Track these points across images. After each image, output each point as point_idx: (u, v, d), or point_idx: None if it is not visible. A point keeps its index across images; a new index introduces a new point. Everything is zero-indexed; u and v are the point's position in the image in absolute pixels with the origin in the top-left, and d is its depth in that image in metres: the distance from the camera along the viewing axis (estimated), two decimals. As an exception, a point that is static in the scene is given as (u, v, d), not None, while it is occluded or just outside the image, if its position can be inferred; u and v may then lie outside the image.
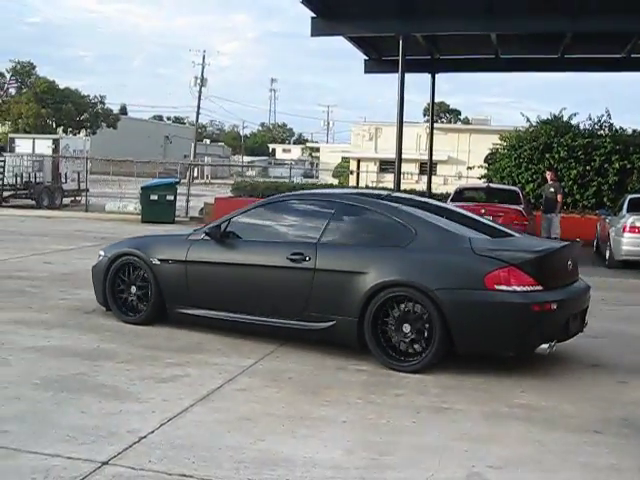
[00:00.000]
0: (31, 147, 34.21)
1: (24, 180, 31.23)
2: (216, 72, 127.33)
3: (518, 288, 7.31)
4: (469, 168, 33.63)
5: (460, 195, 20.03)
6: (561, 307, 7.50)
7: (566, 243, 8.44)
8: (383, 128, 57.03)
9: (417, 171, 53.33)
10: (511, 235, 8.59)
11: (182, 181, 30.09)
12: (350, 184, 51.87)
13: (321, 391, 7.01)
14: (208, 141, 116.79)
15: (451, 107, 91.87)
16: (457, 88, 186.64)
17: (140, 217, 25.53)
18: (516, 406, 6.78)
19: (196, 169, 67.12)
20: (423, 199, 10.43)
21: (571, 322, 7.84)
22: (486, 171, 27.80)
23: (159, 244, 9.46)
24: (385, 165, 54.07)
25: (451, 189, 24.61)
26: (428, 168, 27.33)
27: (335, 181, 57.12)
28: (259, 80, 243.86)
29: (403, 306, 7.62)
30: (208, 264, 8.82)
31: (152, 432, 5.68)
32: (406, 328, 7.60)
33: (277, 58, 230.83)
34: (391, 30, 18.29)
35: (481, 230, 8.38)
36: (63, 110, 67.20)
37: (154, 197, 24.54)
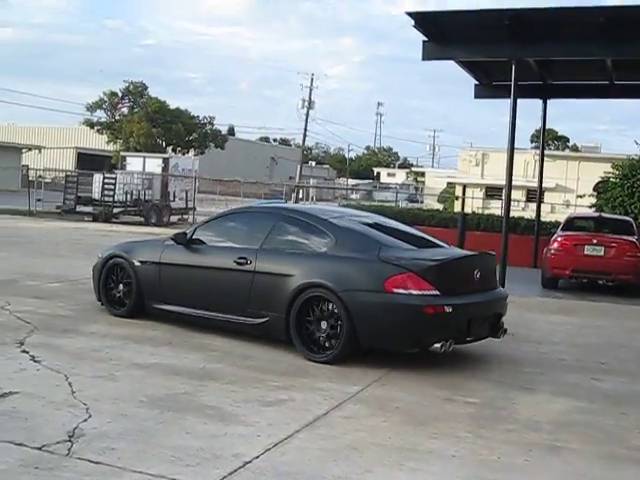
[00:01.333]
0: (142, 165, 34.96)
1: (134, 197, 31.92)
2: (323, 95, 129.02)
3: (414, 292, 8.17)
4: (579, 196, 32.80)
5: (571, 224, 19.55)
6: (457, 311, 8.31)
7: (469, 253, 9.46)
8: (490, 154, 56.30)
9: (524, 198, 52.40)
10: (438, 246, 9.54)
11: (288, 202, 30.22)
12: (456, 210, 51.33)
13: (429, 422, 6.81)
14: (313, 163, 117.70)
15: (559, 134, 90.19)
16: (565, 114, 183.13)
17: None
18: (634, 448, 6.46)
19: (301, 191, 67.52)
20: (376, 217, 10.73)
21: (474, 326, 8.65)
22: (596, 200, 27.03)
23: (140, 248, 10.80)
24: (491, 191, 53.32)
25: (559, 217, 24.04)
26: (537, 195, 26.68)
27: (440, 206, 56.65)
28: (365, 103, 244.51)
29: (321, 305, 8.55)
30: (176, 266, 10.04)
31: (257, 457, 5.59)
32: (324, 325, 8.56)
33: (383, 82, 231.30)
34: (504, 55, 17.91)
35: (409, 242, 9.26)
36: (173, 130, 68.56)
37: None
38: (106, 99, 70.59)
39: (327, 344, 8.56)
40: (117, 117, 70.47)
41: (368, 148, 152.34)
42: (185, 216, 34.96)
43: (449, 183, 64.34)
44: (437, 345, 8.26)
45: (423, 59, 18.26)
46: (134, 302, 10.40)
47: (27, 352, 8.24)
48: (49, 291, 11.85)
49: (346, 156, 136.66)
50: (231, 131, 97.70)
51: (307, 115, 73.07)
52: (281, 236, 9.43)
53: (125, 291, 10.54)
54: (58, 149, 78.56)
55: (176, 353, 8.71)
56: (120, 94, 70.42)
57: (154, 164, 34.63)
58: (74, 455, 5.37)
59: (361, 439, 6.20)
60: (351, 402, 7.27)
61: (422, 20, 17.43)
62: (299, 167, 73.43)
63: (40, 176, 38.50)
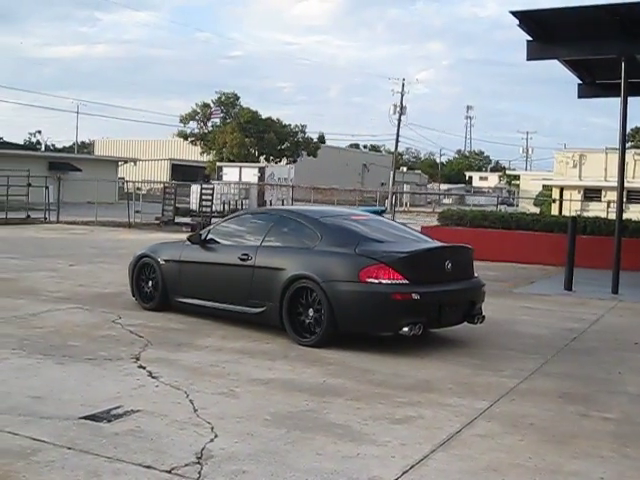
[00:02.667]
0: (238, 175, 35.11)
1: (231, 207, 32.02)
2: (412, 100, 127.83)
3: (384, 281, 9.09)
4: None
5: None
6: (425, 298, 9.19)
7: (438, 245, 10.31)
8: (587, 155, 54.83)
9: (624, 199, 50.82)
10: (418, 242, 10.41)
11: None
12: (552, 213, 50.11)
13: (568, 440, 6.39)
14: (405, 169, 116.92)
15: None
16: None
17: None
18: None
19: (394, 197, 67.00)
20: (372, 217, 11.87)
21: (444, 312, 9.55)
22: None
23: (165, 248, 12.00)
24: (590, 193, 51.93)
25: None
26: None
27: (536, 209, 55.44)
28: (454, 107, 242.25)
29: (308, 295, 9.49)
30: (192, 263, 11.13)
31: (396, 480, 5.27)
32: (311, 312, 9.48)
33: (472, 85, 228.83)
34: (613, 51, 17.24)
35: (390, 238, 10.19)
36: (265, 139, 69.03)
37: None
38: (199, 110, 71.42)
39: (314, 329, 9.45)
40: (210, 128, 71.17)
41: (459, 152, 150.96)
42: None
43: (545, 186, 62.92)
44: (405, 329, 9.08)
45: (528, 59, 17.76)
46: (160, 296, 11.46)
47: (144, 367, 8.10)
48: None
49: (437, 161, 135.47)
50: (321, 139, 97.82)
51: (399, 120, 72.68)
52: (278, 234, 10.44)
53: (153, 287, 11.61)
54: (152, 161, 79.86)
55: (294, 367, 8.45)
56: (212, 105, 71.08)
57: (250, 174, 34.79)
58: (205, 479, 5.14)
59: (500, 460, 5.82)
60: (483, 419, 6.89)
61: (526, 19, 16.91)
62: (392, 173, 72.98)
63: (138, 188, 39.00)
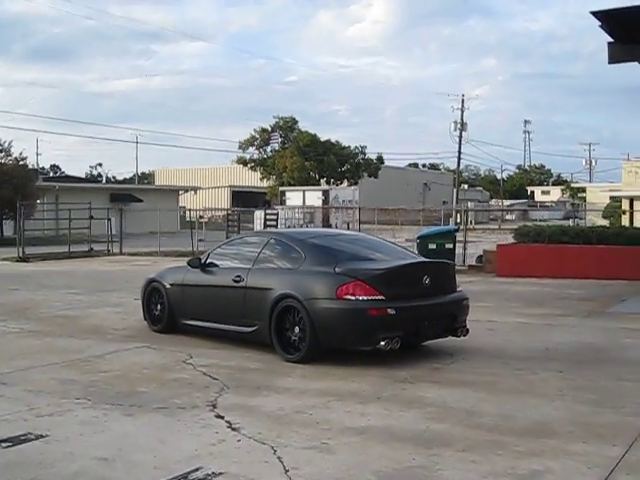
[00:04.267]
0: (301, 199, 34.34)
1: (297, 232, 31.22)
2: (469, 117, 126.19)
3: (360, 297, 9.35)
4: None
5: None
6: (402, 313, 9.41)
7: (415, 261, 10.73)
8: (660, 164, 52.96)
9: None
10: (401, 258, 10.63)
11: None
12: (623, 224, 48.33)
13: None
14: (466, 186, 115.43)
15: None
16: None
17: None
18: None
19: (458, 215, 65.68)
20: (360, 236, 12.75)
21: (423, 326, 9.77)
22: None
23: (171, 272, 12.43)
24: (664, 203, 50.08)
25: None
26: None
27: (605, 222, 53.68)
28: (512, 122, 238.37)
29: (293, 313, 9.78)
30: (193, 286, 11.55)
31: None
32: (296, 329, 9.76)
33: (528, 99, 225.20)
34: None
35: (370, 256, 10.52)
36: (325, 162, 68.28)
37: (432, 246, 23.30)
38: (257, 136, 71.04)
39: (299, 346, 9.72)
40: (269, 153, 70.71)
41: (519, 167, 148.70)
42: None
43: (613, 197, 61.11)
44: (382, 343, 9.21)
45: (609, 62, 16.70)
46: (167, 319, 11.89)
47: (222, 417, 7.22)
48: (228, 340, 10.90)
49: (498, 177, 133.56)
50: (380, 159, 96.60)
51: (460, 137, 71.46)
52: (268, 256, 10.80)
53: (161, 310, 12.04)
54: (213, 189, 79.77)
55: (389, 411, 7.49)
56: (270, 130, 70.63)
57: (314, 197, 34.04)
58: None
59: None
60: (621, 471, 5.86)
61: (607, 19, 15.84)
62: (455, 191, 71.70)
63: (200, 216, 38.45)
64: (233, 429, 6.83)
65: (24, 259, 28.86)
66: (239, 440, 6.53)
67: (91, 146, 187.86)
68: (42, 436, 6.63)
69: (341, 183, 68.31)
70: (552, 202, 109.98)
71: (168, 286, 11.92)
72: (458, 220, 65.14)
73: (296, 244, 10.55)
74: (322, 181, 67.37)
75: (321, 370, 9.27)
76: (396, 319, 9.36)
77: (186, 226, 53.43)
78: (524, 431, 6.85)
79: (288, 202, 34.66)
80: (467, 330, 10.47)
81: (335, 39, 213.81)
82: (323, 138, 71.42)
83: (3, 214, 42.96)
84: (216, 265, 11.41)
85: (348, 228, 33.67)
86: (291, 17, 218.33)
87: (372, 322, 9.30)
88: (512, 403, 7.82)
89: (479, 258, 25.62)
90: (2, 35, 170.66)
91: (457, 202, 69.72)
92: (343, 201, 34.94)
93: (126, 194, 59.16)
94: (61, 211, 39.53)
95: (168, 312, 11.82)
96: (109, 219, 33.07)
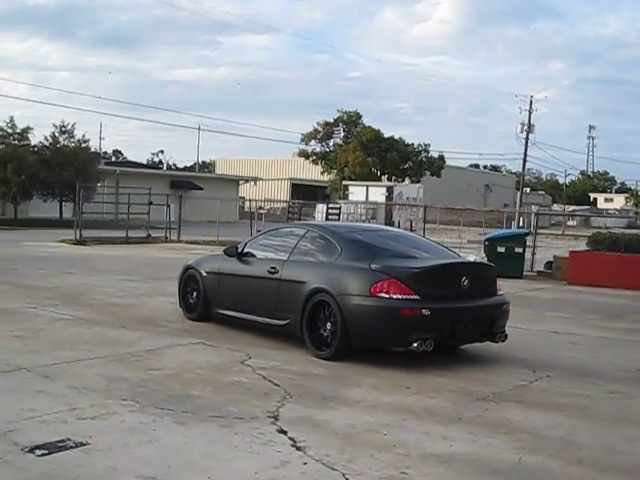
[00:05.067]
0: (364, 194, 33.45)
1: (358, 228, 30.33)
2: (534, 119, 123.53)
3: (394, 296, 8.96)
4: None
5: None
6: (436, 314, 9.00)
7: (454, 262, 10.14)
8: None
9: None
10: (442, 257, 10.16)
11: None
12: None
13: None
14: (528, 189, 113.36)
15: None
16: None
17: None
18: None
19: (521, 219, 64.21)
20: (402, 233, 12.71)
21: (458, 329, 9.32)
22: None
23: (208, 260, 12.35)
24: None
25: None
26: None
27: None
28: (576, 127, 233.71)
29: (326, 308, 9.42)
30: (229, 275, 11.29)
31: None
32: (328, 325, 9.39)
33: (594, 104, 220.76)
34: None
35: (409, 253, 10.12)
36: (388, 158, 67.19)
37: (501, 249, 22.30)
38: (321, 129, 70.21)
39: (331, 343, 9.35)
40: (332, 147, 69.83)
41: (583, 173, 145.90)
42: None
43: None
44: (415, 344, 8.85)
45: None
46: (202, 307, 11.67)
47: (285, 432, 6.38)
48: (291, 341, 10.09)
49: (560, 181, 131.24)
50: (441, 158, 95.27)
51: (527, 139, 69.56)
52: (304, 248, 10.45)
53: (196, 297, 11.82)
54: (273, 180, 79.21)
55: (474, 435, 6.57)
56: (334, 123, 69.70)
57: (377, 193, 33.11)
58: None
59: None
60: None
61: None
62: (519, 193, 70.07)
63: (260, 207, 37.80)
64: (298, 448, 5.99)
65: (81, 242, 28.38)
66: (305, 463, 5.68)
67: (153, 133, 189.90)
68: (82, 444, 5.85)
69: (403, 181, 67.05)
70: (615, 210, 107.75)
71: (204, 274, 11.71)
72: (521, 224, 63.95)
73: (333, 237, 10.23)
74: (384, 178, 66.22)
75: (393, 381, 8.42)
76: (430, 320, 9.00)
77: (245, 216, 53.02)
78: (630, 469, 5.92)
79: (351, 197, 33.77)
80: (506, 336, 9.99)
81: (400, 37, 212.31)
82: (386, 135, 70.36)
83: (63, 196, 42.80)
84: (253, 255, 11.16)
85: (411, 226, 32.69)
86: (357, 13, 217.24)
87: (405, 322, 8.96)
88: (612, 433, 6.89)
89: (548, 264, 24.46)
90: (71, 20, 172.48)
91: (520, 205, 68.07)
92: (407, 198, 33.98)
93: (186, 181, 58.86)
94: (121, 195, 39.16)
95: (203, 300, 11.63)
96: (168, 205, 32.47)
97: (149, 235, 31.54)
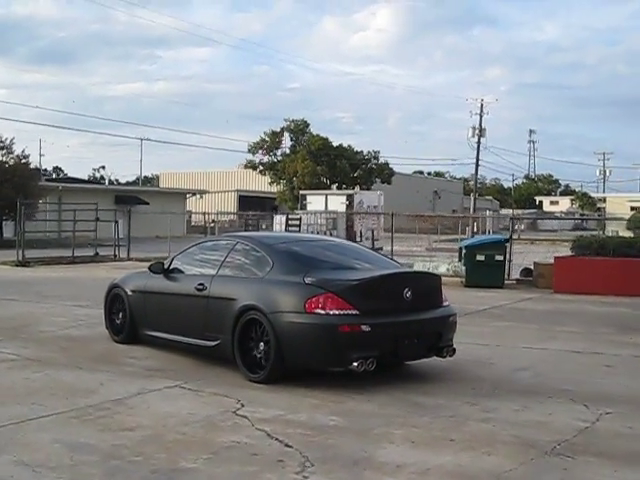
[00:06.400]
0: (323, 203, 31.78)
1: (320, 239, 28.66)
2: (472, 124, 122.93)
3: (331, 312, 8.21)
4: None
5: None
6: (378, 330, 8.26)
7: (394, 272, 9.36)
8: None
9: None
10: (381, 267, 9.47)
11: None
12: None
13: None
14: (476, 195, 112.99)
15: None
16: None
17: (458, 279, 21.93)
18: None
19: (475, 224, 63.19)
20: (333, 240, 12.45)
21: (403, 345, 8.58)
22: None
23: (133, 278, 11.48)
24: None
25: None
26: None
27: (630, 233, 51.22)
28: (516, 132, 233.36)
29: (258, 327, 8.61)
30: (155, 293, 10.51)
31: None
32: (261, 346, 8.58)
33: (532, 109, 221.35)
34: None
35: (347, 265, 9.36)
36: (337, 167, 65.68)
37: (480, 257, 20.73)
38: (267, 139, 68.35)
39: (264, 364, 8.57)
40: (280, 157, 68.01)
41: (527, 177, 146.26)
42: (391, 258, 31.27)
43: (634, 208, 59.02)
44: (355, 364, 8.09)
45: None
46: (128, 328, 10.85)
47: (321, 525, 4.64)
48: (285, 379, 8.41)
49: (509, 185, 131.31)
50: (386, 166, 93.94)
51: (478, 143, 68.89)
52: (234, 262, 9.69)
53: (122, 318, 11.00)
54: (219, 193, 77.24)
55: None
56: (281, 132, 67.91)
57: (337, 202, 31.42)
58: None
59: None
60: None
61: None
62: (473, 198, 69.12)
63: (213, 220, 35.96)
64: None
65: (24, 263, 26.27)
66: None
67: (94, 149, 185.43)
68: None
69: (353, 189, 65.60)
70: (561, 212, 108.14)
71: (130, 293, 10.95)
72: (475, 229, 62.89)
73: (264, 249, 9.47)
74: (333, 187, 64.66)
75: (429, 432, 6.74)
76: (371, 337, 8.27)
77: (192, 230, 51.17)
78: None
79: (309, 206, 32.03)
80: (454, 350, 9.21)
81: (339, 46, 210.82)
82: (334, 143, 68.77)
83: (3, 215, 40.43)
84: (181, 271, 10.40)
85: (373, 236, 31.09)
86: (296, 23, 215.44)
87: (344, 340, 8.21)
88: None
89: (525, 271, 23.03)
90: (7, 37, 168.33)
91: (475, 210, 67.14)
92: (368, 207, 32.32)
93: (131, 196, 56.61)
94: (64, 212, 37.07)
95: (129, 321, 10.82)
96: (116, 222, 30.47)
97: (97, 253, 29.48)
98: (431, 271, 24.58)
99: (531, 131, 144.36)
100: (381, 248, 31.55)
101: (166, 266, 10.54)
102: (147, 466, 5.67)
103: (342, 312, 8.24)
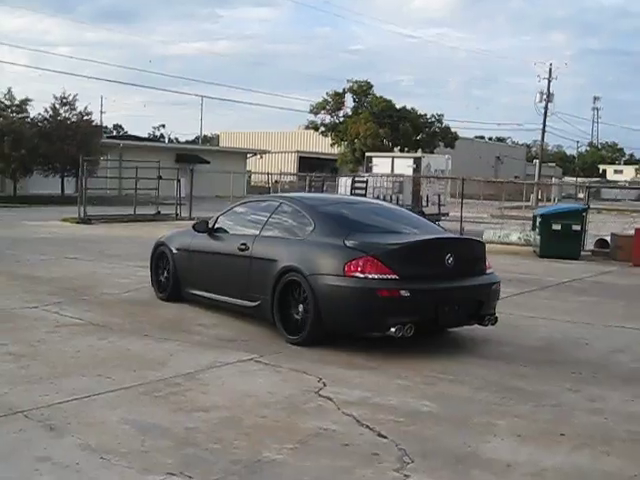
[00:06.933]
0: (389, 166, 30.91)
1: (386, 203, 27.85)
2: (533, 92, 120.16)
3: (370, 275, 8.05)
4: None
5: None
6: (417, 295, 8.08)
7: (437, 237, 9.20)
8: None
9: None
10: (425, 231, 9.30)
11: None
12: None
13: None
14: (537, 162, 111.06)
15: None
16: None
17: (530, 249, 21.10)
18: None
19: (540, 191, 61.81)
20: (379, 203, 12.17)
21: (442, 312, 8.31)
22: None
23: (178, 236, 11.36)
24: None
25: None
26: None
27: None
28: (579, 99, 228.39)
29: (297, 289, 8.56)
30: (200, 252, 10.43)
31: None
32: (300, 307, 8.53)
33: (597, 75, 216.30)
34: None
35: (391, 228, 9.31)
36: (400, 130, 64.61)
37: (556, 227, 19.80)
38: (330, 100, 67.36)
39: (303, 327, 8.45)
40: (341, 118, 67.02)
41: (591, 144, 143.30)
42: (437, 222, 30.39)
43: None
44: (393, 329, 7.93)
45: None
46: (172, 287, 10.85)
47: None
48: (367, 351, 7.79)
49: (573, 153, 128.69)
50: (449, 130, 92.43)
51: (546, 109, 67.02)
52: (276, 223, 9.59)
53: (167, 276, 10.99)
54: (279, 153, 76.65)
55: None
56: (346, 95, 66.83)
57: (404, 165, 30.47)
58: None
59: None
60: None
61: None
62: (538, 165, 67.55)
63: (276, 181, 35.37)
64: None
65: (86, 221, 25.97)
66: None
67: (154, 107, 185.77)
68: None
69: (415, 152, 64.49)
70: (626, 181, 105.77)
71: (175, 251, 10.92)
72: (539, 196, 61.52)
73: (306, 210, 9.32)
74: (396, 150, 63.64)
75: (535, 422, 6.06)
76: (410, 302, 8.11)
77: (252, 190, 50.63)
78: None
79: (375, 169, 31.11)
80: (496, 319, 8.94)
81: (402, 9, 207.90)
82: (398, 105, 67.54)
83: (65, 171, 40.33)
84: (225, 230, 10.33)
85: (439, 201, 30.27)
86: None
87: (382, 304, 8.05)
88: None
89: (600, 242, 22.02)
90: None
91: (539, 177, 65.70)
92: (435, 170, 31.38)
93: (192, 155, 56.27)
94: (125, 170, 36.77)
95: (173, 279, 10.82)
96: (178, 180, 30.01)
97: (159, 212, 29.08)
98: (500, 238, 24.07)
99: (595, 98, 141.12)
100: (447, 214, 30.80)
101: (211, 225, 10.44)
102: (227, 455, 5.06)
103: (381, 276, 8.10)
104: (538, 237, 20.49)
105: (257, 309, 9.20)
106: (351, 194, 26.94)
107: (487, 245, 22.62)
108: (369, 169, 31.72)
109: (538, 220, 20.66)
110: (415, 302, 8.15)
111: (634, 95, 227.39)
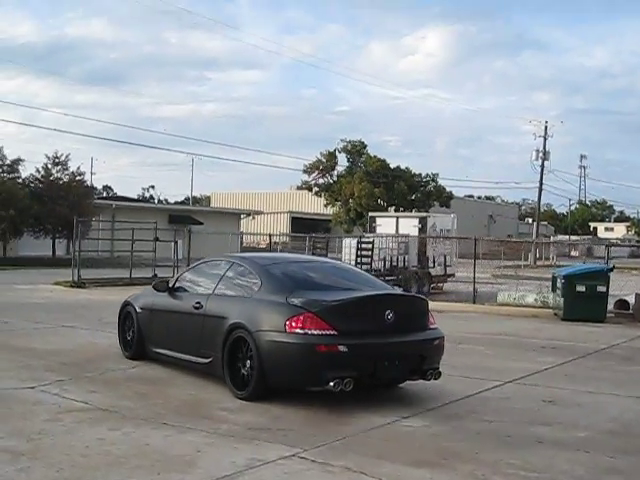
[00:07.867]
0: (394, 226, 29.92)
1: (392, 264, 26.75)
2: (518, 152, 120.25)
3: (310, 331, 8.23)
4: None
5: None
6: (355, 350, 8.22)
7: (376, 294, 9.20)
8: None
9: None
10: (367, 288, 9.43)
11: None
12: None
13: None
14: (530, 220, 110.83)
15: None
16: None
17: (550, 311, 20.06)
18: None
19: (537, 250, 61.05)
20: (329, 262, 12.09)
21: (382, 367, 8.47)
22: None
23: (143, 296, 11.56)
24: None
25: None
26: None
27: None
28: (565, 158, 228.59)
29: (244, 345, 8.72)
30: (160, 311, 10.73)
31: None
32: (247, 363, 8.67)
33: (582, 135, 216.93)
34: None
35: (335, 286, 9.47)
36: (395, 189, 63.91)
37: (581, 288, 18.70)
38: (323, 159, 66.66)
39: (249, 382, 8.58)
40: (335, 178, 66.22)
41: (580, 202, 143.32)
42: (440, 284, 29.30)
43: None
44: (331, 384, 8.03)
45: None
46: (136, 345, 11.01)
47: None
48: (414, 448, 6.60)
49: (564, 211, 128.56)
50: (441, 189, 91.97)
51: (542, 167, 66.34)
52: (229, 281, 9.84)
53: (132, 335, 11.14)
54: (272, 214, 75.89)
55: None
56: (338, 154, 66.19)
57: (409, 225, 29.44)
58: None
59: None
60: None
61: None
62: (535, 224, 66.86)
63: (276, 242, 34.33)
64: None
65: (80, 284, 24.84)
66: None
67: (143, 169, 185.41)
68: None
69: (410, 212, 63.72)
70: (617, 239, 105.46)
71: (139, 310, 11.13)
72: (537, 255, 60.73)
73: (255, 269, 9.62)
74: (391, 209, 62.88)
75: None
76: (349, 357, 8.21)
77: (245, 251, 49.52)
78: None
79: (378, 229, 30.12)
80: (439, 373, 9.06)
81: (388, 70, 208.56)
82: (392, 165, 66.92)
83: (57, 232, 39.23)
84: (184, 289, 10.62)
85: (445, 261, 29.27)
86: (345, 47, 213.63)
87: (320, 359, 8.19)
88: None
89: (620, 303, 20.93)
90: (61, 58, 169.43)
91: (537, 235, 64.95)
92: (441, 230, 30.37)
93: (185, 216, 55.38)
94: (117, 231, 35.69)
95: (137, 338, 11.02)
96: (175, 242, 28.91)
97: (155, 275, 27.83)
98: (515, 300, 22.97)
99: (582, 156, 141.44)
100: (453, 274, 29.73)
101: (171, 284, 10.73)
102: None
103: (320, 332, 8.24)
104: (560, 299, 19.36)
105: (209, 366, 9.38)
106: (356, 256, 25.88)
107: (502, 307, 21.68)
108: (373, 229, 30.71)
109: (560, 281, 19.53)
110: (353, 357, 8.24)
111: (619, 154, 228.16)
